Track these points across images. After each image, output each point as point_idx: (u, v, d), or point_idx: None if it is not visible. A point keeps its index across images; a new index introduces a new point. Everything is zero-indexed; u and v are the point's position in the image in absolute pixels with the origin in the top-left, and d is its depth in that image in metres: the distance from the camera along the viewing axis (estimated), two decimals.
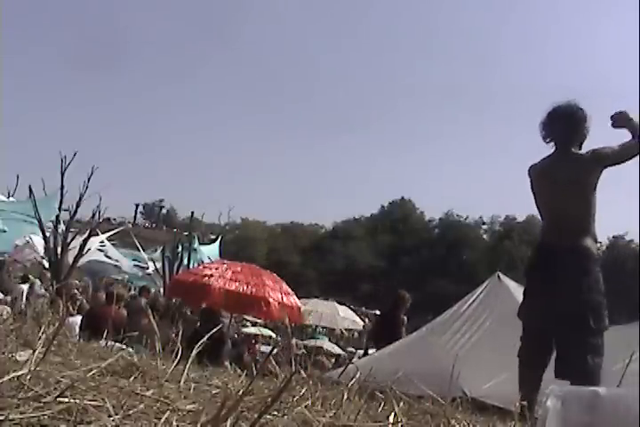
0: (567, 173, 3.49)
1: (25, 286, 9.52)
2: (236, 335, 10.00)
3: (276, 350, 4.59)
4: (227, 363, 5.47)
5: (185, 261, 15.42)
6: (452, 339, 5.61)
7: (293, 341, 8.17)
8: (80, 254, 12.96)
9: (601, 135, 3.70)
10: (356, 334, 19.70)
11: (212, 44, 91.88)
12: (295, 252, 55.46)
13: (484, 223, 58.09)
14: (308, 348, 10.16)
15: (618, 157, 3.42)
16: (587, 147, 3.63)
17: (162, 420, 1.19)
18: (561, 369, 3.21)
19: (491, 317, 5.72)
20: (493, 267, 15.19)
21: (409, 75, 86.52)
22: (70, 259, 12.88)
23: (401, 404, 1.75)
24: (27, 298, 9.00)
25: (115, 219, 45.26)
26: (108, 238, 18.73)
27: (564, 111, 3.59)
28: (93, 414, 1.15)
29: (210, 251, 21.03)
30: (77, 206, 13.51)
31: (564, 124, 3.56)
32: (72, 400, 1.19)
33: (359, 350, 10.75)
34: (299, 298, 8.60)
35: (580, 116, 3.58)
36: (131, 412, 1.21)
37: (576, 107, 3.60)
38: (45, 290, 9.76)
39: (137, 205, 66.88)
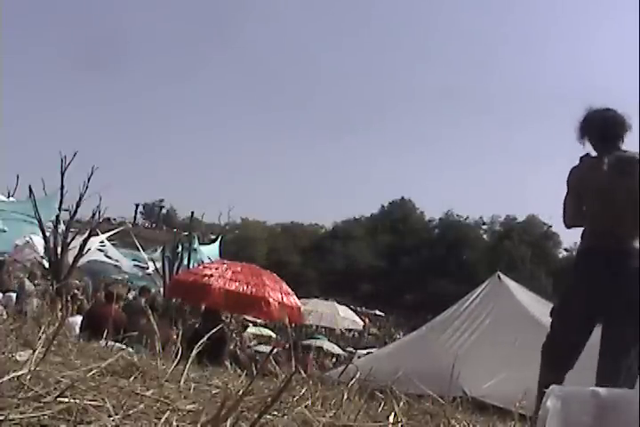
0: (618, 175, 3.44)
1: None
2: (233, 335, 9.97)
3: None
4: (227, 363, 5.47)
5: (185, 261, 15.38)
6: (452, 337, 5.63)
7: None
8: (80, 254, 12.94)
9: None
10: (356, 334, 19.71)
11: (212, 44, 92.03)
12: (295, 252, 55.37)
13: (484, 223, 57.98)
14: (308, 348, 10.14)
15: None
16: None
17: (162, 420, 1.19)
18: (609, 373, 3.15)
19: (490, 316, 5.74)
20: (493, 267, 15.21)
21: (409, 76, 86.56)
22: (70, 259, 12.86)
23: (401, 404, 1.75)
24: (17, 297, 9.05)
25: (115, 219, 45.25)
26: (108, 238, 18.71)
27: (602, 117, 3.57)
28: (93, 414, 1.15)
29: (210, 251, 21.01)
30: (77, 206, 13.48)
31: (606, 129, 3.54)
32: (72, 400, 1.19)
33: (359, 350, 10.75)
34: (299, 298, 8.57)
35: (618, 119, 3.56)
36: (131, 412, 1.21)
37: (611, 111, 3.58)
38: (35, 286, 9.76)
39: (137, 205, 66.93)
